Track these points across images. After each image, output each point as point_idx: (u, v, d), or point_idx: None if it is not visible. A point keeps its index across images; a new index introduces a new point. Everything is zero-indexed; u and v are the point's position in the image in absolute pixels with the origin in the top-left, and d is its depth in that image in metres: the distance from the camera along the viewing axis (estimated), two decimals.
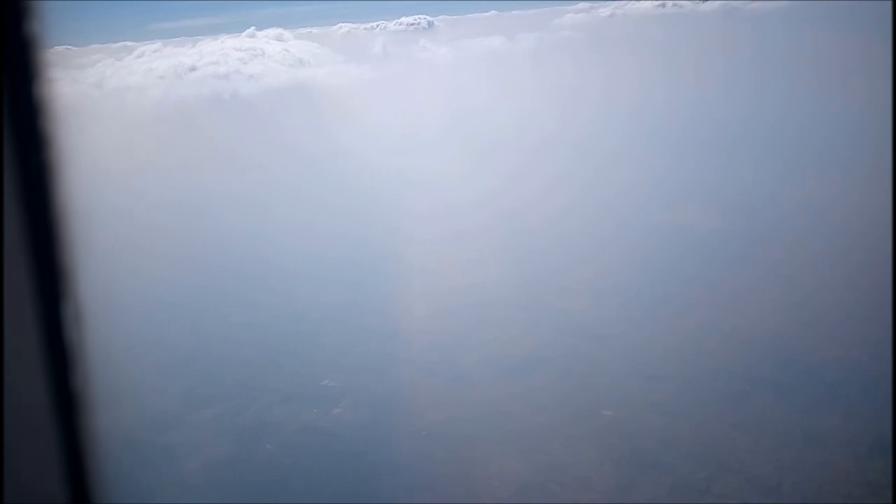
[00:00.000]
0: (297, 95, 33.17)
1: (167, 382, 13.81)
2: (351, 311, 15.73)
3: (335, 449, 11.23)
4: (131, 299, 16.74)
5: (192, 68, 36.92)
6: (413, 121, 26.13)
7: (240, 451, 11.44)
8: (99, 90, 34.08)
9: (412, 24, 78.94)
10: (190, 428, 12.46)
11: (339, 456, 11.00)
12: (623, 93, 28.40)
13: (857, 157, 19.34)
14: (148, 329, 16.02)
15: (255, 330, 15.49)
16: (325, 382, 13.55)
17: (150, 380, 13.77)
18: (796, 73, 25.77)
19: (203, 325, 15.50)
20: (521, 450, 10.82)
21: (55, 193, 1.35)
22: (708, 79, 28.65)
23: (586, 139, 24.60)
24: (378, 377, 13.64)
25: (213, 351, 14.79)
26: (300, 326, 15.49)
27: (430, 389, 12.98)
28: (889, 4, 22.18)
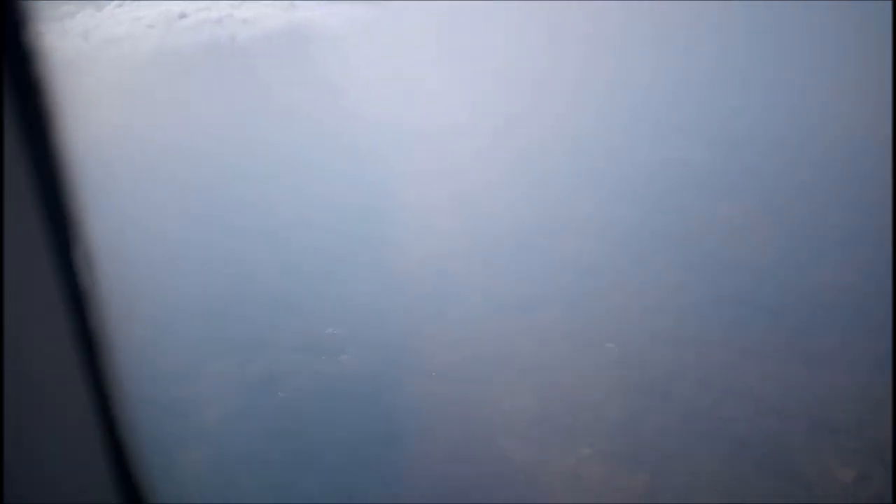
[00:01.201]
0: (295, 38, 32.34)
1: (170, 337, 13.78)
2: (350, 258, 15.65)
3: (347, 393, 11.28)
4: (127, 252, 16.62)
5: (183, 15, 35.68)
6: (413, 62, 25.69)
7: (253, 401, 11.47)
8: (87, 42, 33.00)
9: None
10: (201, 381, 12.46)
11: (353, 399, 11.06)
12: (612, 30, 28.02)
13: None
14: (147, 282, 15.90)
15: (255, 282, 15.41)
16: (329, 331, 13.53)
17: (153, 335, 13.74)
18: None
19: (202, 279, 15.40)
20: (531, 385, 10.93)
21: (58, 141, 1.31)
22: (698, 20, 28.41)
23: (578, 78, 24.23)
24: (382, 322, 13.63)
25: (214, 305, 14.71)
26: (299, 276, 15.41)
27: (436, 332, 13.00)
28: (889, 4, 21.76)
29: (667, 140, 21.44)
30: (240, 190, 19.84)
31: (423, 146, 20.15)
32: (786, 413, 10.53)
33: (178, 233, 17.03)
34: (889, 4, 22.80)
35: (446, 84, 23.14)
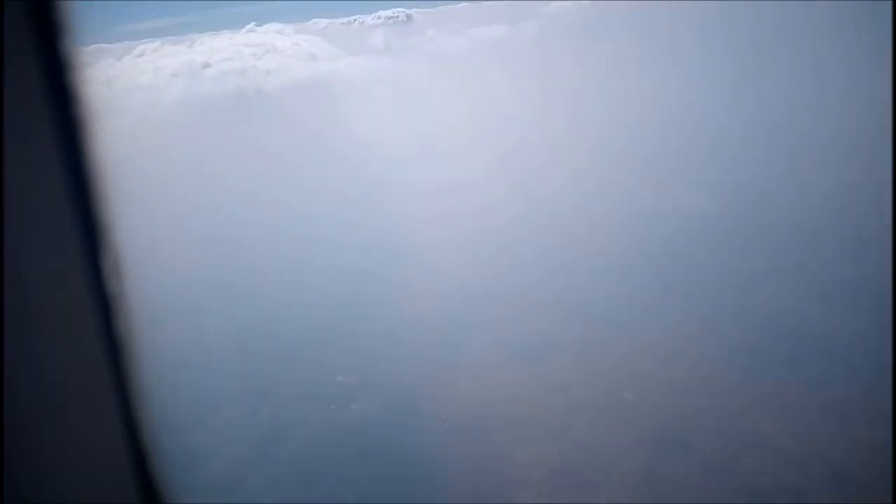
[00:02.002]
0: (319, 90, 32.84)
1: (178, 384, 13.55)
2: (361, 305, 15.52)
3: (358, 445, 11.01)
4: (136, 299, 16.30)
5: (206, 65, 36.28)
6: (434, 113, 25.99)
7: (262, 451, 11.20)
8: (110, 89, 33.47)
9: (390, 18, 78.08)
10: (211, 429, 12.21)
11: (364, 453, 10.79)
12: (630, 81, 28.31)
13: (856, 152, 19.23)
14: (155, 331, 15.58)
15: (265, 326, 15.25)
16: (340, 378, 13.32)
17: (161, 382, 13.49)
18: (794, 68, 25.73)
19: (215, 325, 15.24)
20: (546, 435, 10.68)
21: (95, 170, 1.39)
22: (704, 64, 28.69)
23: (596, 130, 24.45)
24: (393, 370, 13.43)
25: (225, 350, 14.52)
26: (310, 323, 15.26)
27: (447, 379, 12.80)
28: (889, 4, 22.09)
29: (672, 189, 21.55)
30: (255, 239, 19.85)
31: (436, 197, 20.22)
32: (805, 465, 10.28)
33: (194, 277, 16.97)
34: (889, 4, 22.92)
35: (461, 137, 23.34)
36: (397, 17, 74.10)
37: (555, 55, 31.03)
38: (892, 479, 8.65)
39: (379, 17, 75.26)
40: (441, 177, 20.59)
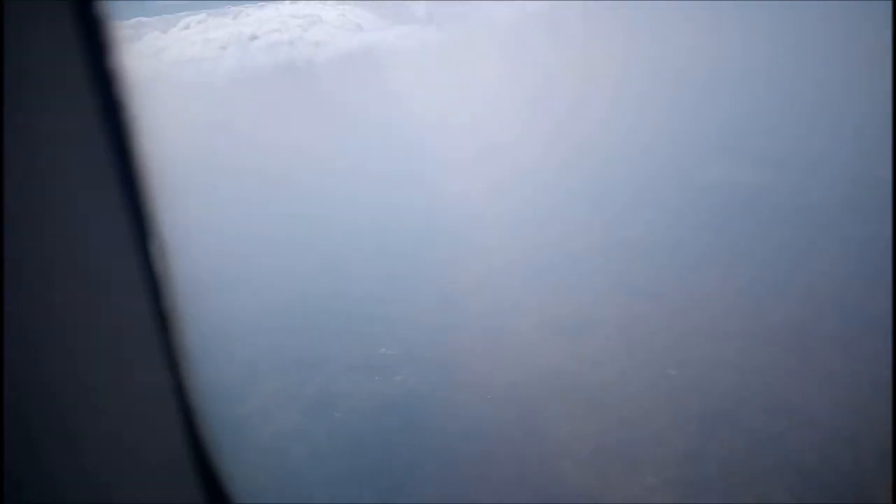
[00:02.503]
0: (368, 62, 32.82)
1: (226, 356, 13.85)
2: (404, 277, 15.62)
3: (402, 416, 11.14)
4: (193, 262, 16.70)
5: (254, 37, 36.31)
6: (486, 83, 25.90)
7: (309, 420, 11.40)
8: (160, 63, 33.80)
9: None
10: (257, 400, 12.47)
11: (408, 423, 10.91)
12: (675, 50, 27.85)
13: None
14: (206, 295, 16.02)
15: (309, 299, 15.44)
16: (382, 351, 13.45)
17: (209, 354, 13.81)
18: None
19: (260, 295, 15.50)
20: (590, 410, 10.65)
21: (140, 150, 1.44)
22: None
23: (642, 101, 24.06)
24: (435, 344, 13.51)
25: (270, 322, 14.77)
26: (353, 295, 15.41)
27: (488, 353, 12.83)
28: (889, 4, 21.26)
29: (719, 161, 21.08)
30: (302, 208, 20.06)
31: (480, 168, 20.17)
32: (855, 443, 10.09)
33: (241, 247, 17.25)
34: (889, 4, 22.18)
35: (507, 108, 23.19)
36: None
37: (603, 25, 30.41)
38: (892, 479, 8.46)
39: None
40: (488, 149, 20.45)
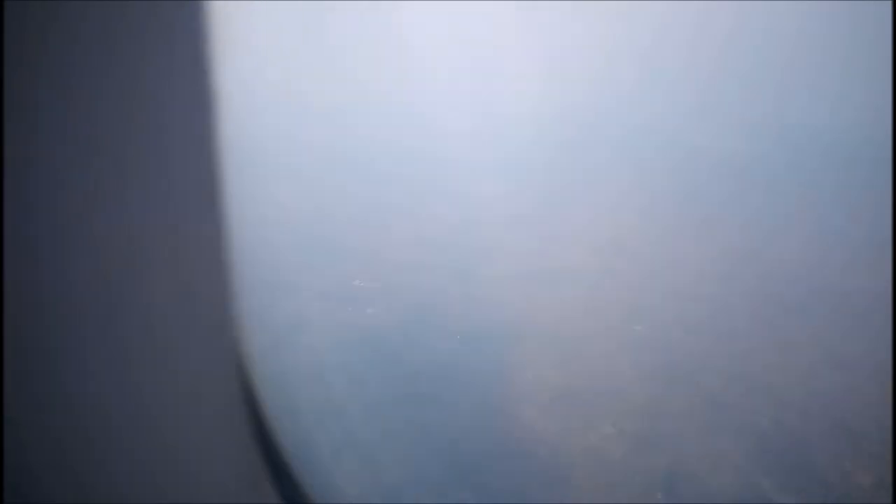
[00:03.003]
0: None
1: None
2: (376, 212, 15.54)
3: (371, 348, 11.21)
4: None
5: None
6: (479, 27, 25.44)
7: (276, 344, 11.45)
8: None
9: None
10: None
11: (377, 355, 10.97)
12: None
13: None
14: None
15: (281, 228, 15.32)
16: (356, 282, 13.46)
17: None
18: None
19: (231, 223, 15.31)
20: (555, 359, 10.80)
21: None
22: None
23: (626, 63, 23.83)
24: (409, 281, 13.48)
25: (241, 243, 14.64)
26: (327, 225, 15.32)
27: (461, 294, 12.87)
28: (889, 4, 21.07)
29: (699, 126, 21.07)
30: (286, 128, 19.77)
31: (468, 114, 19.94)
32: (809, 413, 10.44)
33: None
34: (889, 4, 22.18)
35: (497, 55, 22.84)
36: None
37: None
38: (892, 480, 8.79)
39: None
40: (475, 95, 20.19)
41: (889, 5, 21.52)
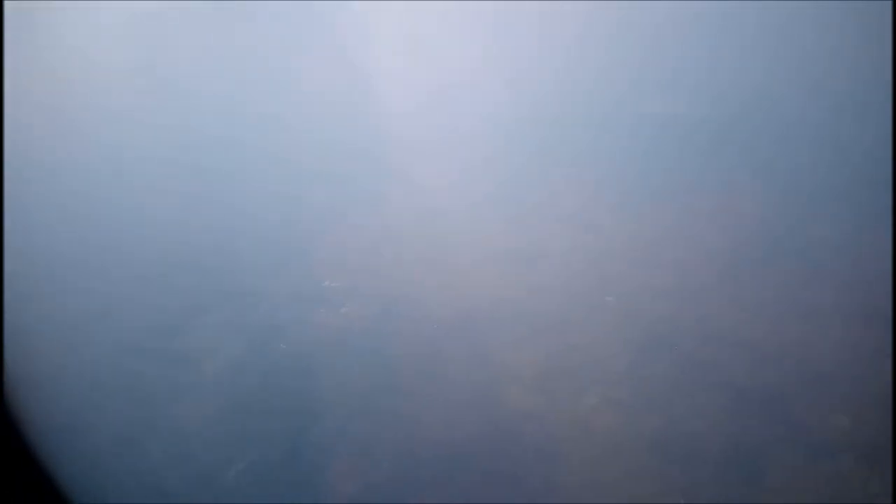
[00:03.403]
0: None
1: (155, 294, 13.45)
2: (340, 211, 15.42)
3: (352, 344, 11.15)
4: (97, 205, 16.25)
5: None
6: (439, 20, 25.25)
7: (254, 352, 11.30)
8: None
9: None
10: (197, 333, 12.24)
11: (356, 351, 10.91)
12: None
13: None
14: (123, 241, 15.49)
15: (243, 235, 15.10)
16: (326, 283, 13.34)
17: (134, 293, 13.41)
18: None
19: (186, 226, 15.05)
20: (535, 337, 10.88)
21: None
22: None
23: (560, 35, 23.95)
24: (377, 275, 13.43)
25: (203, 259, 14.39)
26: (287, 228, 15.15)
27: (433, 283, 12.86)
28: (889, 4, 21.44)
29: (654, 94, 21.31)
30: (229, 134, 19.39)
31: (426, 107, 19.83)
32: (782, 364, 10.71)
33: (183, 167, 16.62)
34: (889, 4, 22.60)
35: (463, 46, 22.75)
36: None
37: None
38: (892, 479, 9.05)
39: None
40: (438, 87, 20.10)
41: (889, 5, 21.81)
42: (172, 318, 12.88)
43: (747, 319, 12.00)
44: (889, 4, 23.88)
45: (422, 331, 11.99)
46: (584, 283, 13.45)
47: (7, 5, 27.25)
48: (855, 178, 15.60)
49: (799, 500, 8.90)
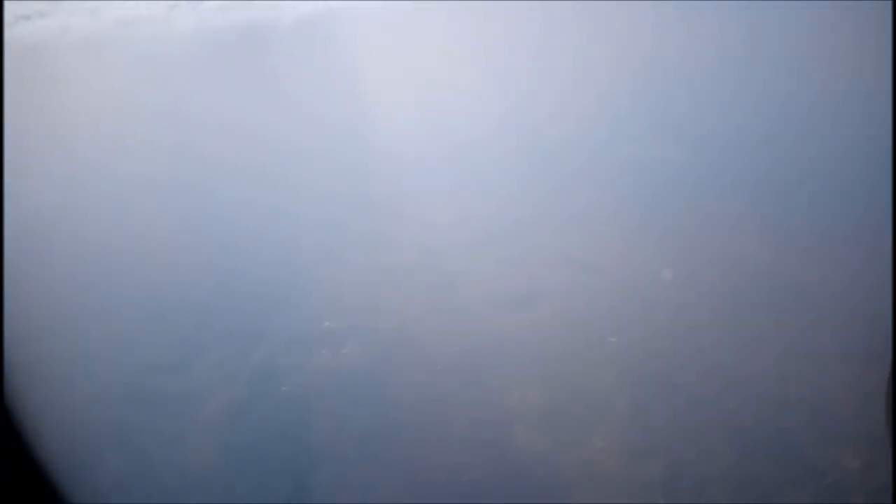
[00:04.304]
0: (335, 25, 31.15)
1: (156, 333, 13.23)
2: (339, 251, 15.32)
3: (353, 387, 10.90)
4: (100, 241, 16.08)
5: None
6: (443, 52, 25.50)
7: (255, 394, 11.03)
8: (100, 20, 31.01)
9: None
10: (196, 374, 11.98)
11: (360, 394, 10.65)
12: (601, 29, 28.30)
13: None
14: (122, 278, 15.29)
15: (240, 274, 14.94)
16: (326, 324, 13.11)
17: (136, 332, 13.18)
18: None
19: (184, 270, 14.90)
20: (538, 378, 10.68)
21: None
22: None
23: (560, 74, 24.29)
24: (379, 315, 13.26)
25: (202, 298, 14.20)
26: (287, 269, 15.01)
27: (435, 325, 12.70)
28: (889, 4, 21.98)
29: (652, 140, 21.53)
30: (226, 183, 19.37)
31: (421, 138, 19.95)
32: (786, 403, 10.55)
33: (177, 217, 16.50)
34: (889, 4, 22.99)
35: (454, 81, 22.99)
36: None
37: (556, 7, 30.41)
38: (892, 480, 8.91)
39: None
40: (429, 122, 20.23)
41: (889, 5, 22.22)
42: (172, 358, 12.69)
43: (748, 358, 11.86)
44: (889, 4, 24.25)
45: (424, 372, 11.75)
46: (586, 325, 13.28)
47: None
48: (855, 219, 15.67)
49: None
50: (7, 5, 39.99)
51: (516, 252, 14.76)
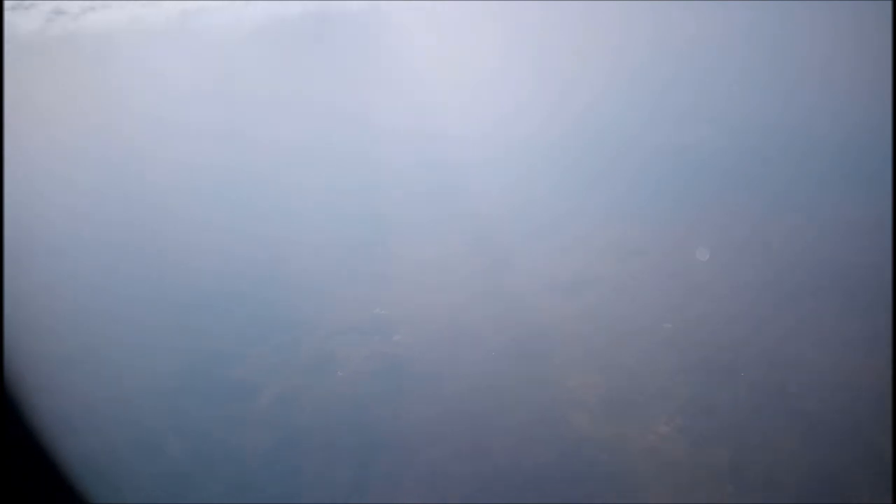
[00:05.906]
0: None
1: (211, 323, 13.21)
2: (393, 238, 15.23)
3: (408, 373, 10.78)
4: (149, 232, 16.16)
5: None
6: (486, 51, 25.38)
7: (312, 381, 10.95)
8: (163, 10, 30.91)
9: None
10: (253, 362, 11.94)
11: (415, 380, 10.53)
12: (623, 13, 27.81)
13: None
14: (171, 271, 15.32)
15: (288, 264, 14.89)
16: (376, 311, 13.02)
17: (192, 321, 13.19)
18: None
19: (237, 262, 14.90)
20: (595, 365, 10.43)
21: None
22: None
23: (591, 60, 23.89)
24: (428, 302, 13.12)
25: (249, 290, 14.18)
26: (332, 260, 14.93)
27: (486, 311, 12.49)
28: (889, 4, 21.31)
29: (687, 125, 21.09)
30: (275, 175, 19.35)
31: (468, 140, 19.71)
32: (853, 387, 10.16)
33: (229, 207, 16.51)
34: (889, 4, 22.36)
35: (479, 76, 22.78)
36: None
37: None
38: (892, 480, 8.54)
39: None
40: (483, 119, 20.05)
41: (889, 5, 21.64)
42: (229, 347, 12.67)
43: (808, 345, 11.43)
44: (889, 4, 23.64)
45: (479, 356, 11.55)
46: (638, 310, 12.97)
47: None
48: (881, 205, 15.11)
49: None
50: None
51: (566, 240, 14.49)
